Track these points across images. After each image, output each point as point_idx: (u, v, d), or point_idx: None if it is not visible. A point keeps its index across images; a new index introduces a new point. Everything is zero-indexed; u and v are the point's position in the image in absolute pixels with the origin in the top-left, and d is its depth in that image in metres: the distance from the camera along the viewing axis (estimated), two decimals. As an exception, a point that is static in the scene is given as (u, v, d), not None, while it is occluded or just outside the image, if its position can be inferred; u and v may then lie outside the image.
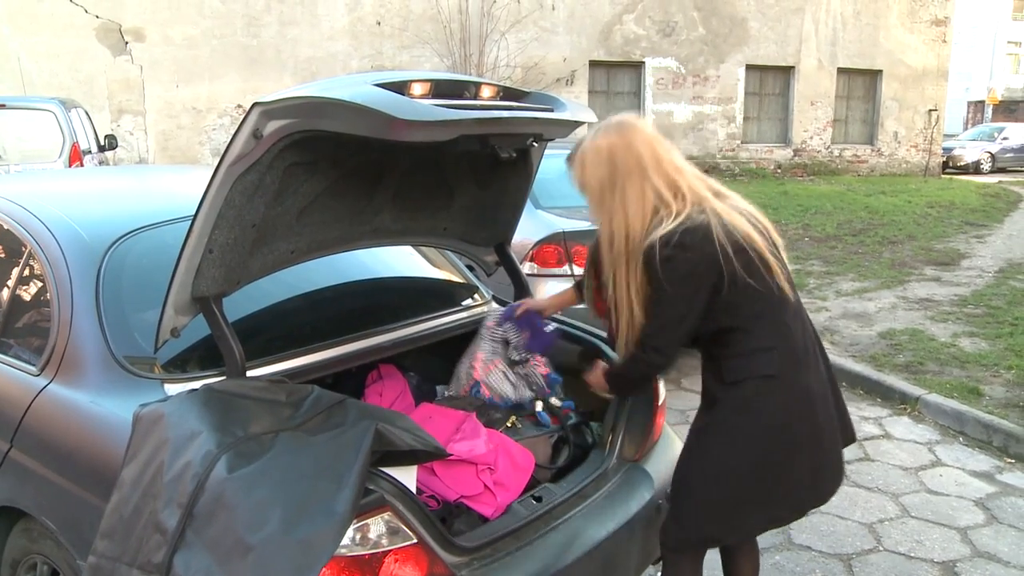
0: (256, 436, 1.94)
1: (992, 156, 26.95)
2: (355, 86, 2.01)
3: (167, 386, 2.27)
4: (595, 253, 2.49)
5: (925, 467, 4.70)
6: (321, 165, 2.30)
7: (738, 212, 2.26)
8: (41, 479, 2.35)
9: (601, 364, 2.67)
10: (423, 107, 2.00)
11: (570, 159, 2.38)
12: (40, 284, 2.62)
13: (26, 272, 2.71)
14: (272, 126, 2.02)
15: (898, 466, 4.65)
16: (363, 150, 2.32)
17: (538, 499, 2.47)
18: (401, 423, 2.07)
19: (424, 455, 2.03)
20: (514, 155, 2.43)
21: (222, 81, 16.58)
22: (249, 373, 2.32)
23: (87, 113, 11.96)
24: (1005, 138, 27.75)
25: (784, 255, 2.34)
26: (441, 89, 2.24)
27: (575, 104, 2.62)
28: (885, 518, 4.07)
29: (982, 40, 47.13)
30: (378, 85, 2.02)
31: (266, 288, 2.59)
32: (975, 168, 26.03)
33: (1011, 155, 27.43)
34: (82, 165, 10.27)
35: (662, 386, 2.98)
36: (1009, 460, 4.82)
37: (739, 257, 2.17)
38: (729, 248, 2.16)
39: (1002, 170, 26.47)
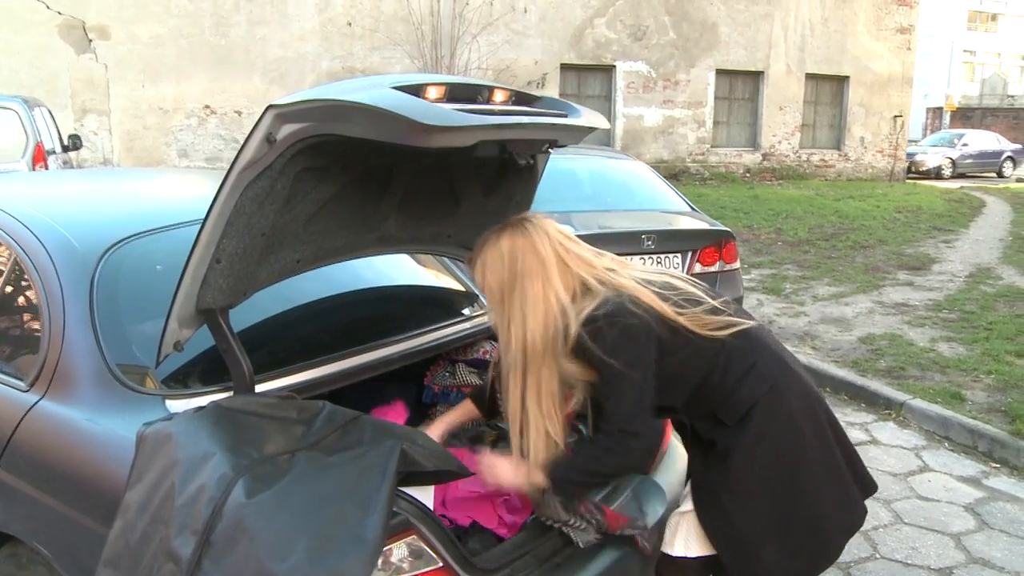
0: (272, 457, 1.84)
1: (953, 162, 27.42)
2: (373, 88, 1.92)
3: (169, 402, 2.16)
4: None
5: (914, 472, 4.71)
6: (331, 171, 2.21)
7: (645, 276, 2.19)
8: (33, 502, 2.23)
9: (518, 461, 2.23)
10: (445, 112, 1.91)
11: (471, 261, 2.27)
12: (28, 294, 2.50)
13: (12, 282, 2.58)
14: (287, 130, 1.92)
15: (887, 472, 4.64)
16: (374, 155, 2.24)
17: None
18: (422, 441, 1.98)
19: (447, 475, 1.95)
20: (531, 162, 2.36)
21: (189, 81, 16.32)
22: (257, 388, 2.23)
23: (50, 112, 11.69)
24: (965, 144, 28.25)
25: (712, 291, 2.27)
26: (455, 93, 2.15)
27: (587, 110, 2.55)
28: (879, 525, 4.05)
29: (939, 49, 48.03)
30: (395, 88, 1.93)
31: (267, 299, 2.49)
32: (936, 174, 26.45)
33: (970, 161, 27.94)
34: (46, 166, 10.01)
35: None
36: (994, 465, 4.84)
37: (663, 325, 2.10)
38: (650, 316, 2.08)
39: (962, 175, 26.95)
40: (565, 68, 19.57)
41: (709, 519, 2.21)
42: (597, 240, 5.56)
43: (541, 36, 19.08)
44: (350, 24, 17.45)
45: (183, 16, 16.21)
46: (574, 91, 19.77)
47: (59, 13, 15.40)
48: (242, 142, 1.95)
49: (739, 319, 2.18)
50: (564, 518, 2.19)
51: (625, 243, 5.68)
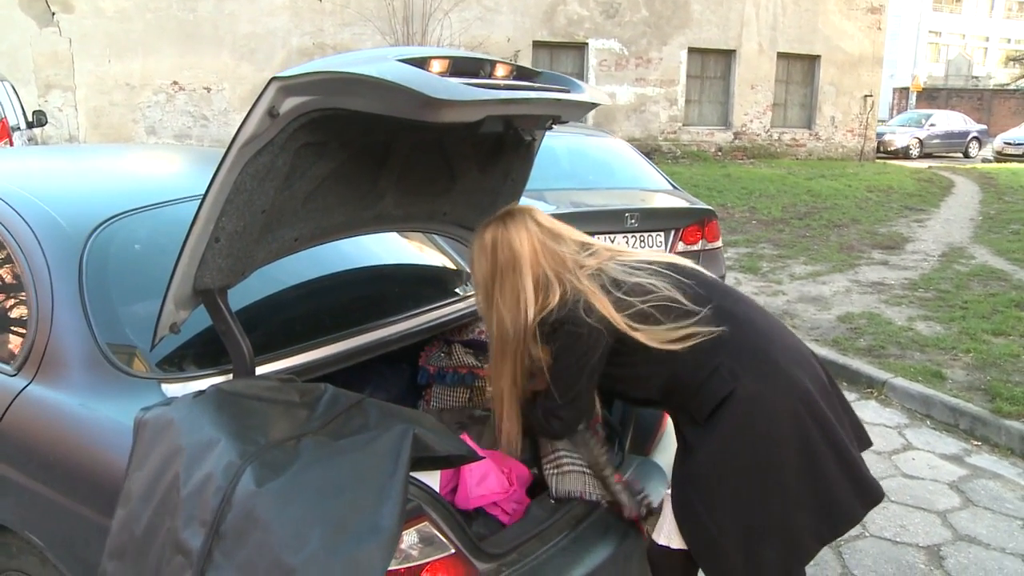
0: (279, 443, 1.78)
1: (920, 142, 27.67)
2: (379, 62, 1.85)
3: (165, 386, 2.08)
4: None
5: (897, 451, 4.74)
6: (330, 146, 2.13)
7: (623, 265, 2.21)
8: (23, 490, 2.14)
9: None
10: (454, 86, 1.85)
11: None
12: (13, 276, 2.40)
13: (-5, 262, 2.48)
14: (290, 103, 1.85)
15: (872, 451, 4.63)
16: (374, 130, 2.17)
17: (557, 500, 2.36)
18: (429, 424, 1.93)
19: (458, 459, 1.90)
20: (535, 137, 2.30)
21: (157, 56, 16.01)
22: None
23: (13, 87, 11.40)
24: (932, 124, 28.51)
25: (703, 272, 2.28)
26: (459, 66, 2.09)
27: (588, 86, 2.50)
28: (868, 504, 4.06)
29: (905, 29, 48.39)
30: (400, 60, 1.86)
31: (264, 278, 2.42)
32: (904, 153, 26.68)
33: (937, 141, 28.22)
34: (12, 143, 9.78)
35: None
36: (976, 443, 4.89)
37: (626, 310, 2.11)
38: (612, 304, 2.11)
39: (929, 155, 27.21)
40: (537, 45, 19.46)
41: (679, 511, 2.19)
42: (580, 219, 5.60)
43: (513, 13, 18.93)
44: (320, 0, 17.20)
45: (149, -11, 15.88)
46: (546, 68, 19.59)
47: (20, -15, 15.03)
48: (244, 116, 1.88)
49: (704, 329, 2.10)
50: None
51: (608, 221, 5.64)
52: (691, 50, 21.01)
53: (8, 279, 2.44)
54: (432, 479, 1.96)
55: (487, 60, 2.26)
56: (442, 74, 2.02)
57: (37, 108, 12.66)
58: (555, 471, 2.38)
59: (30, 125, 11.37)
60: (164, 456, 1.79)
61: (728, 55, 21.60)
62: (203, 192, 1.92)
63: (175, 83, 16.22)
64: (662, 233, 5.80)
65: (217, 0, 16.41)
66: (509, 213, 2.29)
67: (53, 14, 15.32)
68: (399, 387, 3.03)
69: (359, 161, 2.30)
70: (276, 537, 1.56)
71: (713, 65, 21.61)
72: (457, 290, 3.10)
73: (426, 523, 1.81)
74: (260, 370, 2.22)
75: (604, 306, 2.10)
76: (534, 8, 19.18)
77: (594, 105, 2.45)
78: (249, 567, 1.56)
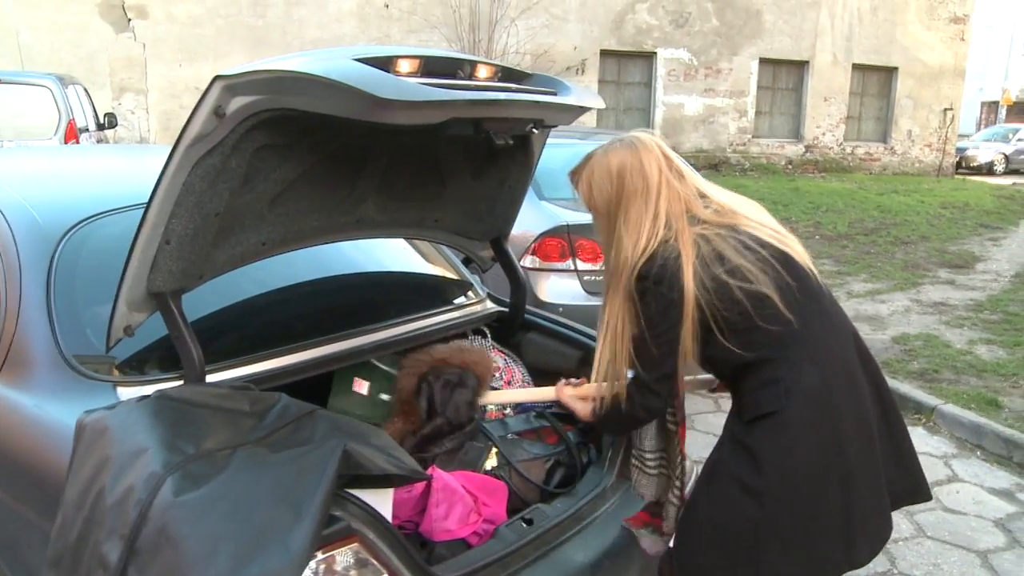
0: (209, 453, 1.71)
1: (1006, 157, 26.60)
2: (332, 60, 1.78)
3: (120, 389, 2.04)
4: None
5: (941, 483, 4.48)
6: (296, 149, 2.07)
7: (737, 239, 2.01)
8: (-27, 489, 2.12)
9: (579, 393, 2.42)
10: (408, 85, 1.76)
11: (574, 174, 2.17)
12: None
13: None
14: (236, 103, 1.79)
15: (913, 481, 4.41)
16: (344, 133, 2.09)
17: (529, 522, 2.25)
18: (376, 440, 1.84)
19: (397, 479, 1.80)
20: (510, 142, 2.19)
21: (226, 61, 16.29)
22: (214, 378, 2.10)
23: (86, 90, 11.72)
24: (1020, 139, 27.37)
25: (810, 276, 2.07)
26: (432, 67, 2.00)
27: (581, 88, 2.38)
28: (899, 538, 3.83)
29: (997, 40, 46.76)
30: (360, 60, 1.78)
31: (236, 283, 2.37)
32: (988, 169, 25.70)
33: (1026, 157, 27.11)
34: (78, 143, 10.05)
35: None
36: (1030, 478, 4.59)
37: (720, 292, 1.95)
38: (708, 282, 1.95)
39: (1016, 172, 26.12)
40: (605, 54, 19.28)
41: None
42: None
43: (581, 21, 18.80)
44: (387, 6, 17.34)
45: (221, -5, 16.23)
46: (614, 78, 19.49)
47: (99, -8, 15.49)
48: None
49: (773, 354, 1.99)
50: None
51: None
52: (762, 60, 20.59)
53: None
54: (383, 500, 1.86)
55: (466, 60, 2.17)
56: (412, 74, 1.95)
57: (109, 111, 13.00)
58: (641, 466, 2.33)
59: (100, 127, 11.66)
60: (95, 464, 1.74)
61: (801, 66, 21.10)
62: (150, 193, 1.86)
63: (244, 88, 16.56)
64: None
65: (287, 6, 16.68)
66: (638, 139, 2.11)
67: (129, 20, 15.76)
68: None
69: (332, 165, 2.23)
70: (186, 553, 1.50)
71: (785, 76, 21.13)
72: (443, 299, 3.00)
73: (357, 544, 1.72)
74: (226, 376, 2.17)
75: (689, 281, 1.96)
76: (602, 16, 19.03)
77: (584, 109, 2.34)
78: (159, 583, 1.49)
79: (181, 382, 2.05)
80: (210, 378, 2.06)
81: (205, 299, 2.27)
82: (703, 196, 2.10)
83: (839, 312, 2.13)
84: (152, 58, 15.97)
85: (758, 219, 2.10)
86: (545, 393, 2.53)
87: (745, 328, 1.96)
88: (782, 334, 1.97)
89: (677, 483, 2.29)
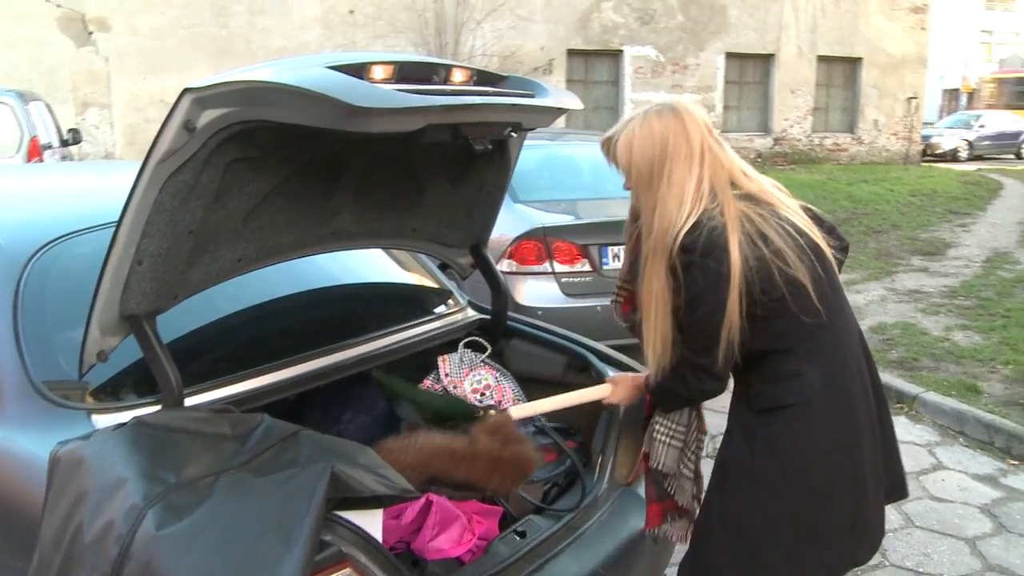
0: (191, 482, 1.65)
1: (969, 144, 26.91)
2: (304, 68, 1.72)
3: (95, 417, 1.96)
4: (634, 242, 2.18)
5: (927, 471, 4.48)
6: (269, 161, 2.01)
7: (779, 222, 1.97)
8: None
9: (629, 376, 2.40)
10: (383, 92, 1.71)
11: (608, 140, 2.10)
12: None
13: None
14: (207, 116, 1.73)
15: (899, 471, 4.41)
16: (318, 143, 2.04)
17: (522, 534, 2.20)
18: (364, 460, 1.78)
19: (388, 500, 1.75)
20: (489, 147, 2.14)
21: (191, 72, 16.08)
22: (192, 400, 2.03)
23: (48, 106, 11.52)
24: (982, 126, 27.72)
25: (835, 272, 2.06)
26: (406, 72, 1.95)
27: (558, 90, 2.33)
28: (889, 529, 3.80)
29: (956, 29, 47.34)
30: (333, 67, 1.73)
31: (212, 301, 2.30)
32: (953, 156, 25.98)
33: (988, 143, 27.41)
34: (42, 160, 9.87)
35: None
36: (1012, 462, 4.60)
37: (762, 273, 1.90)
38: (752, 260, 1.89)
39: (979, 158, 26.43)
40: (572, 54, 19.30)
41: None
42: (591, 229, 5.39)
43: (547, 21, 18.80)
44: (352, 12, 17.25)
45: (183, 7, 16.03)
46: (581, 77, 19.51)
47: (58, 6, 15.25)
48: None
49: (795, 345, 1.97)
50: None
51: (620, 232, 5.44)
52: (729, 55, 20.70)
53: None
54: (372, 520, 1.80)
55: (441, 65, 2.13)
56: (386, 81, 1.90)
57: (73, 126, 12.80)
58: (666, 440, 2.24)
59: (64, 143, 11.46)
60: (72, 499, 1.67)
61: (767, 59, 21.23)
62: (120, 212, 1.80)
63: (209, 99, 16.40)
64: (679, 243, 5.59)
65: (250, 15, 16.55)
66: (679, 103, 2.06)
67: (90, 33, 15.56)
68: (381, 409, 2.89)
69: (307, 176, 2.18)
70: (171, 590, 1.43)
71: (752, 70, 21.25)
72: (425, 309, 2.95)
73: (349, 569, 1.66)
74: (205, 398, 2.10)
75: (737, 252, 1.90)
76: (568, 16, 19.03)
77: (561, 111, 2.30)
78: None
79: (159, 407, 1.98)
80: (188, 401, 2.00)
81: (180, 319, 2.20)
82: (744, 171, 2.05)
83: (850, 309, 2.12)
84: (115, 71, 15.77)
85: (792, 205, 2.06)
86: (592, 394, 2.44)
87: (777, 315, 1.93)
88: (810, 326, 1.94)
89: (692, 456, 2.23)
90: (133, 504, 1.57)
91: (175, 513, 1.55)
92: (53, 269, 2.27)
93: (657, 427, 2.25)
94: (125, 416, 1.94)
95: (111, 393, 2.10)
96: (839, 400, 1.97)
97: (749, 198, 1.99)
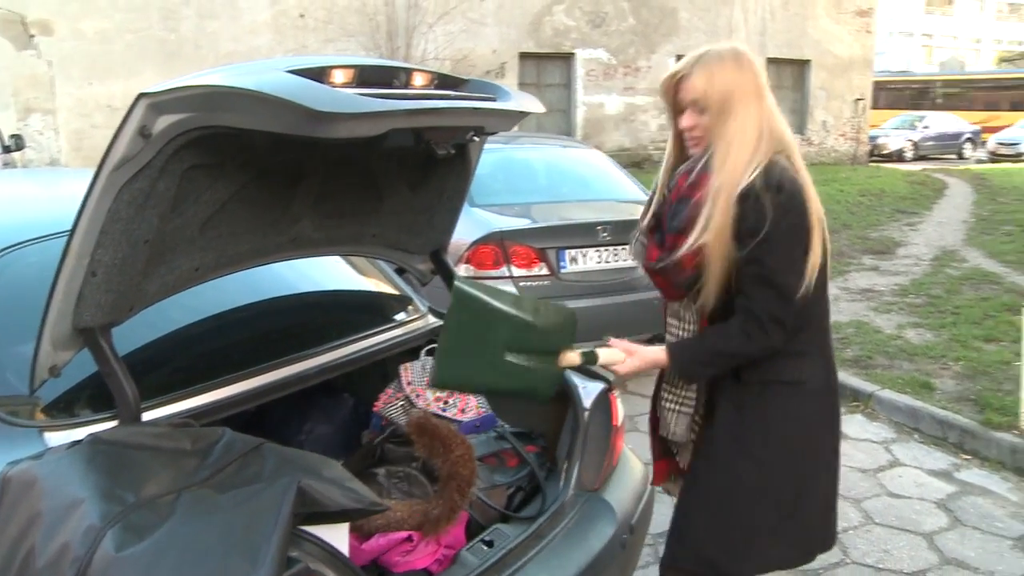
0: (151, 500, 1.59)
1: (914, 144, 27.52)
2: (264, 72, 1.68)
3: (48, 435, 1.88)
4: (666, 184, 2.13)
5: (884, 468, 4.54)
6: (228, 168, 1.96)
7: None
8: None
9: (646, 349, 2.16)
10: (345, 97, 1.67)
11: (672, 77, 2.06)
12: None
13: None
14: (163, 122, 1.67)
15: (857, 468, 4.47)
16: (277, 149, 1.99)
17: (489, 543, 2.17)
18: (330, 473, 1.74)
19: (356, 513, 1.71)
20: (452, 151, 2.12)
21: (139, 77, 15.76)
22: (151, 415, 1.97)
23: (-11, 112, 11.23)
24: (926, 127, 28.37)
25: (825, 264, 2.07)
26: (366, 76, 1.91)
27: (520, 93, 2.31)
28: (850, 527, 3.87)
29: (898, 32, 48.40)
30: (292, 71, 1.69)
31: (169, 312, 2.23)
32: (899, 156, 26.55)
33: (931, 143, 28.09)
34: (-16, 167, 9.61)
35: (620, 405, 2.71)
36: (965, 457, 4.69)
37: (821, 232, 1.95)
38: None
39: (924, 158, 27.05)
40: (524, 57, 19.31)
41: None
42: (548, 233, 5.40)
43: (499, 24, 18.79)
44: (303, 16, 17.07)
45: (130, 10, 15.70)
46: (533, 80, 19.52)
47: (-4, 8, 14.87)
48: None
49: (799, 322, 1.98)
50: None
51: (579, 235, 5.47)
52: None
53: None
54: (338, 534, 1.76)
55: (402, 68, 2.09)
56: (346, 85, 1.86)
57: (15, 132, 12.48)
58: (676, 408, 2.18)
59: (7, 149, 11.19)
60: (24, 521, 1.60)
61: (717, 62, 21.44)
62: (73, 221, 1.73)
63: (157, 104, 16.09)
64: (636, 246, 5.60)
65: (199, 19, 16.28)
66: (741, 48, 2.04)
67: (31, 36, 15.16)
68: (342, 418, 2.85)
69: (266, 183, 2.13)
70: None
71: (702, 72, 21.44)
72: (388, 316, 2.91)
73: (317, 585, 1.62)
74: (164, 412, 2.04)
75: (817, 201, 1.91)
76: (520, 19, 19.04)
77: (523, 114, 2.27)
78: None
79: (115, 423, 1.92)
80: (146, 416, 1.94)
81: (137, 331, 2.13)
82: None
83: None
84: (60, 76, 15.38)
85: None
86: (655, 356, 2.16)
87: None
88: (815, 305, 1.98)
89: (698, 419, 2.21)
90: (90, 525, 1.50)
91: (135, 533, 1.50)
92: (1, 280, 2.20)
93: (666, 395, 2.20)
94: (80, 433, 1.86)
95: (64, 409, 2.03)
96: (827, 386, 2.04)
97: (793, 157, 2.00)
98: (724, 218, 1.89)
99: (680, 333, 2.13)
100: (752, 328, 1.94)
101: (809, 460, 2.04)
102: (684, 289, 2.03)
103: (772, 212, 1.86)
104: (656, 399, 2.27)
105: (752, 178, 1.88)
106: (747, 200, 1.88)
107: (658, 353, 2.11)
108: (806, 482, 2.04)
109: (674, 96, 2.06)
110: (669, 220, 2.04)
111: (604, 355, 2.16)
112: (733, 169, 1.91)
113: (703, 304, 2.01)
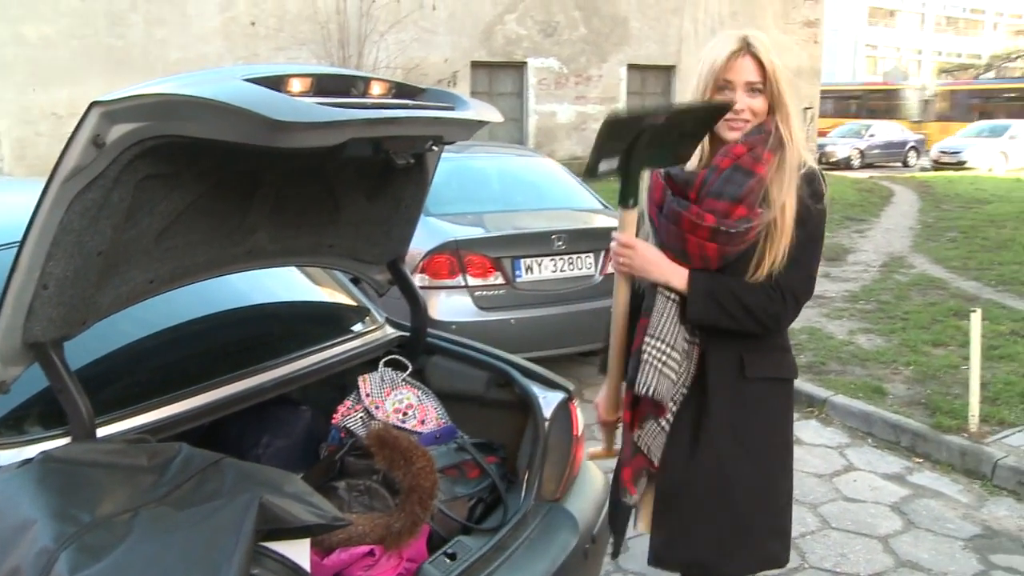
0: (107, 519, 1.55)
1: (861, 152, 28.06)
2: (221, 81, 1.66)
3: (-4, 453, 1.84)
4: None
5: (839, 472, 4.60)
6: (183, 178, 1.92)
7: None
8: None
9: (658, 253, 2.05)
10: (304, 106, 1.65)
11: (737, 50, 1.98)
12: None
13: None
14: (117, 131, 1.64)
15: (813, 473, 4.52)
16: (233, 159, 1.96)
17: (452, 556, 2.15)
18: (291, 488, 1.71)
19: (319, 528, 1.68)
20: (412, 161, 2.10)
21: (85, 85, 15.44)
22: (105, 431, 1.92)
23: (-71, 120, 10.94)
24: (872, 135, 28.95)
25: None
26: (324, 85, 1.89)
27: (477, 102, 2.31)
28: (807, 532, 3.91)
29: (843, 43, 49.42)
30: (250, 80, 1.66)
31: (123, 325, 2.19)
32: (846, 164, 27.01)
33: (877, 151, 28.65)
34: (-76, 177, 9.35)
35: (580, 414, 2.71)
36: (917, 460, 4.77)
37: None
38: None
39: (870, 165, 27.58)
40: (476, 66, 19.32)
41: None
42: (503, 242, 5.39)
43: (451, 33, 18.78)
44: (254, 24, 16.89)
45: (74, 16, 15.38)
46: (485, 89, 19.52)
47: (-69, 11, 14.48)
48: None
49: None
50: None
51: (534, 244, 5.47)
52: (631, 67, 21.04)
53: None
54: (300, 551, 1.73)
55: (360, 77, 2.07)
56: (304, 94, 1.83)
57: (-44, 141, 12.18)
58: (658, 364, 1.99)
59: (-53, 159, 10.92)
60: (-28, 543, 1.55)
61: (668, 71, 21.66)
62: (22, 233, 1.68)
63: (104, 112, 15.79)
64: (591, 254, 5.62)
65: (147, 25, 16.01)
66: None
67: (-29, 42, 14.82)
68: (300, 432, 2.80)
69: (222, 193, 2.09)
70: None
71: (653, 81, 21.65)
72: (346, 327, 2.87)
73: (279, 604, 1.59)
74: (119, 428, 1.99)
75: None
76: (471, 28, 19.06)
77: (480, 123, 2.27)
78: None
79: (68, 440, 1.87)
80: (101, 432, 1.89)
81: (89, 344, 2.08)
82: None
83: None
84: (1, 83, 15.02)
85: None
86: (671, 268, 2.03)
87: None
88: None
89: (676, 400, 2.07)
90: (43, 547, 1.46)
91: (91, 554, 1.45)
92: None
93: (649, 348, 2.00)
94: (31, 451, 1.81)
95: (14, 426, 1.97)
96: (793, 385, 2.11)
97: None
98: (794, 198, 1.95)
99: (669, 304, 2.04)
100: (775, 294, 1.96)
101: (791, 457, 2.13)
102: (724, 261, 1.98)
103: (817, 218, 1.99)
104: (633, 356, 2.08)
105: (813, 161, 2.02)
106: (812, 183, 1.99)
107: (675, 267, 2.00)
108: (789, 477, 2.13)
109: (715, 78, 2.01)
110: (721, 185, 1.97)
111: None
112: (797, 151, 1.99)
113: (768, 266, 1.97)
